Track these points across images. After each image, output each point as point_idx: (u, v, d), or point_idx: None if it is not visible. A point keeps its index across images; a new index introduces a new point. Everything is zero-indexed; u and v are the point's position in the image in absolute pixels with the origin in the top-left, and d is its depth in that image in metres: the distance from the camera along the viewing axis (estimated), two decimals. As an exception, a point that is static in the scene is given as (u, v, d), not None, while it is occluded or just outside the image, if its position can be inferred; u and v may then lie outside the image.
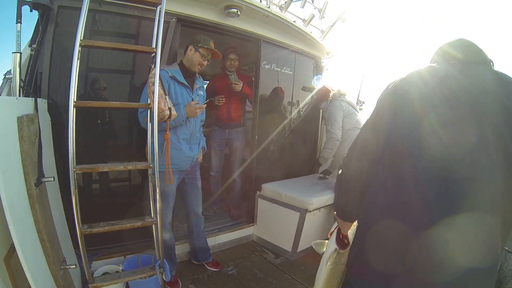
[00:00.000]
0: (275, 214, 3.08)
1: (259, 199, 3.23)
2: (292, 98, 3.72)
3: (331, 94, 3.32)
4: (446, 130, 0.92)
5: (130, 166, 1.93)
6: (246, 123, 3.43)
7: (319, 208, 3.01)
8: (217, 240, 2.94)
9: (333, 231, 1.35)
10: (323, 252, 1.40)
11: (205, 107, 2.33)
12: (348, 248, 1.26)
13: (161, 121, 2.01)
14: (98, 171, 2.00)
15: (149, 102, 1.95)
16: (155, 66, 1.92)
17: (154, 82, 1.91)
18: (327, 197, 3.08)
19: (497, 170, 0.89)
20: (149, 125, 1.99)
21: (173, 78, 2.18)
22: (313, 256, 3.00)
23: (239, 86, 3.03)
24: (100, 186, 2.50)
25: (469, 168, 0.89)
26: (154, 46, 1.93)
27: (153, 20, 1.98)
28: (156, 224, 1.94)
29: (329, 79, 3.94)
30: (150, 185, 1.98)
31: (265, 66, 3.22)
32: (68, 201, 1.79)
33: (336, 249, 1.28)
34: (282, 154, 3.86)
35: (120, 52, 2.21)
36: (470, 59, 1.04)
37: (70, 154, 1.67)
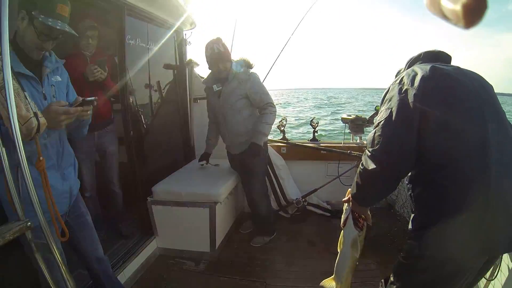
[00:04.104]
0: (179, 218, 2.63)
1: (152, 206, 2.65)
2: (149, 79, 3.13)
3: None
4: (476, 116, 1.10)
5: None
6: (115, 118, 2.68)
7: (227, 196, 2.79)
8: (126, 273, 2.25)
9: (346, 218, 1.40)
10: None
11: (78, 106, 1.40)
12: (365, 228, 1.38)
13: (26, 138, 1.17)
14: None
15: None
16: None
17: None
18: (231, 182, 2.89)
19: None
20: (1, 151, 1.10)
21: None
22: (230, 245, 2.85)
23: (104, 74, 2.24)
24: None
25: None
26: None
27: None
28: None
29: (194, 54, 3.55)
30: (38, 256, 1.15)
31: (130, 41, 2.52)
32: None
33: (357, 233, 1.36)
34: (159, 146, 3.33)
35: None
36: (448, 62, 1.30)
37: None
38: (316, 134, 3.67)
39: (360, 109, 32.26)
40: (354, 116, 3.48)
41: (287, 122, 3.73)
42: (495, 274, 1.63)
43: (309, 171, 3.51)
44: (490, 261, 1.22)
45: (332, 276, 1.49)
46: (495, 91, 1.21)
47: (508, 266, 1.62)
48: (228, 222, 3.05)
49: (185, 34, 3.40)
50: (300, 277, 2.32)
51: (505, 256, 1.60)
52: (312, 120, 3.63)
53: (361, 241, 1.37)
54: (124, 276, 2.21)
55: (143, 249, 2.53)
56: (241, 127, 2.62)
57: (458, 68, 1.21)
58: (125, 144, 2.61)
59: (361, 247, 1.38)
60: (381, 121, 1.16)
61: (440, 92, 1.11)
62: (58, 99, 1.46)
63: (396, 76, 1.42)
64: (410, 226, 1.25)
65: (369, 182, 1.23)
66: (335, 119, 20.52)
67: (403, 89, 1.14)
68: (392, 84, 1.23)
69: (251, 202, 2.88)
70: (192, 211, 2.58)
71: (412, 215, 1.25)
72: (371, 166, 1.15)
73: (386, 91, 1.27)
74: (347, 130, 3.57)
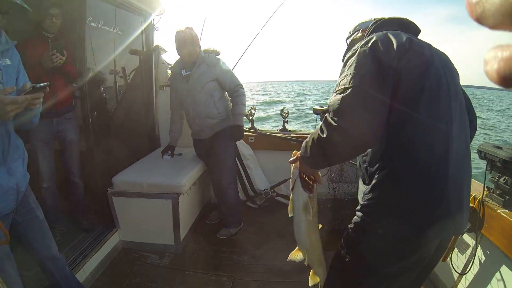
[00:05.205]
0: (140, 210, 2.53)
1: (113, 197, 2.53)
2: (114, 64, 2.96)
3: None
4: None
5: None
6: (77, 105, 2.52)
7: (190, 187, 2.73)
8: (87, 270, 2.13)
9: (295, 182, 1.31)
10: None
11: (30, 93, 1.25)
12: (316, 189, 1.30)
13: None
14: None
15: None
16: None
17: None
18: (195, 171, 2.82)
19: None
20: None
21: None
22: (196, 237, 2.80)
23: (63, 59, 2.10)
24: None
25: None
26: None
27: None
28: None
29: (161, 40, 3.40)
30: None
31: (91, 24, 2.35)
32: None
33: (308, 195, 1.29)
34: (122, 134, 3.17)
35: None
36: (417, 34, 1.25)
37: None
38: (286, 124, 3.57)
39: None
40: (326, 107, 3.41)
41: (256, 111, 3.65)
42: (449, 256, 1.80)
43: (278, 161, 3.39)
44: (442, 244, 1.22)
45: (297, 247, 1.40)
46: (469, 83, 1.18)
47: (480, 259, 1.73)
48: (193, 214, 2.99)
49: (153, 20, 3.24)
50: (269, 271, 2.31)
51: (479, 250, 1.72)
52: (282, 110, 3.57)
53: (313, 204, 1.29)
54: (84, 273, 2.10)
55: (104, 242, 2.42)
56: (213, 109, 2.61)
57: (430, 46, 1.15)
58: (84, 132, 2.47)
59: (315, 212, 1.31)
60: (349, 87, 1.01)
61: (415, 68, 1.04)
62: (6, 84, 1.30)
63: (349, 36, 1.43)
64: (361, 200, 1.18)
65: (329, 152, 1.11)
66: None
67: (376, 56, 1.03)
68: (361, 47, 1.07)
69: (218, 190, 2.82)
70: (154, 203, 2.49)
71: (365, 188, 1.18)
72: (336, 137, 1.04)
73: (351, 53, 1.11)
74: (319, 121, 3.50)
